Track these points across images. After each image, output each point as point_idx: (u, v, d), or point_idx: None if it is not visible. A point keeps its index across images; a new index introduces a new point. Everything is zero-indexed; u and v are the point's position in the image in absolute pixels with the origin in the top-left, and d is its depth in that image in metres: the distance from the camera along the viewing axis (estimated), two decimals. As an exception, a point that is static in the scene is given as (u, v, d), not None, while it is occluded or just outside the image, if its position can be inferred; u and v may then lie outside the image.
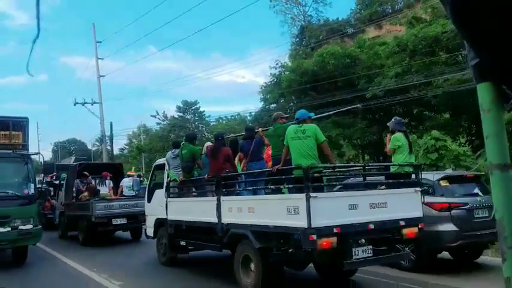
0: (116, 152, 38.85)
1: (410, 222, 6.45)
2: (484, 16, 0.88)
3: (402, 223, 6.36)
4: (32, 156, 11.08)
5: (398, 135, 7.20)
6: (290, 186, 6.00)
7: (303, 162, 5.88)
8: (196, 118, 42.37)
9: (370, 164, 9.34)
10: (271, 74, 24.81)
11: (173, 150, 8.87)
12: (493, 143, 1.00)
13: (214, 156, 7.52)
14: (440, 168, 13.48)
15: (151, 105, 65.09)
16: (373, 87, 20.29)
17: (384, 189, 6.68)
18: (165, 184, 8.97)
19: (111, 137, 31.06)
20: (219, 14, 69.01)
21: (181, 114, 41.89)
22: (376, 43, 22.89)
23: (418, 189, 6.60)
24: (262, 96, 28.38)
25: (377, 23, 37.06)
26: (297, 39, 47.85)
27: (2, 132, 10.96)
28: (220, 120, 40.55)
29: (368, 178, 7.28)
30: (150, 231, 9.81)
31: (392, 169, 6.93)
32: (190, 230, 8.25)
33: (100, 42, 29.82)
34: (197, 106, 42.16)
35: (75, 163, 18.58)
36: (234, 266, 7.09)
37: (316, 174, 6.02)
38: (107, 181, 13.69)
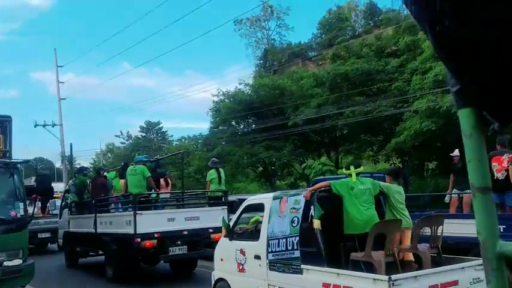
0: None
1: (217, 229, 9.91)
2: (467, 42, 0.89)
3: (211, 230, 9.83)
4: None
5: (212, 171, 10.76)
6: (127, 206, 9.53)
7: (134, 190, 9.42)
8: (160, 138, 45.77)
9: (187, 191, 12.44)
10: (213, 101, 28.37)
11: (73, 179, 12.34)
12: (474, 167, 1.04)
13: (93, 184, 11.01)
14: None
15: (126, 121, 68.42)
16: (295, 117, 23.97)
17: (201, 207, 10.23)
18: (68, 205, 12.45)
19: (70, 158, 34.22)
20: (193, 32, 72.87)
21: (144, 134, 45.29)
22: (304, 76, 26.63)
23: (225, 207, 10.12)
24: (211, 119, 31.89)
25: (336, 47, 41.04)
26: (261, 61, 51.90)
27: None
28: (183, 140, 43.55)
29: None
30: (60, 242, 13.20)
31: (209, 194, 10.50)
32: (81, 239, 11.68)
33: (61, 66, 33.24)
34: (160, 126, 45.63)
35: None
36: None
37: (142, 199, 9.56)
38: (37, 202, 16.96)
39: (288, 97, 26.00)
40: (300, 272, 5.52)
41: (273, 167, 29.08)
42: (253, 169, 30.78)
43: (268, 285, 6.01)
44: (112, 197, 10.85)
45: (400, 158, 23.56)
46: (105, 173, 12.15)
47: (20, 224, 7.74)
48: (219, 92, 27.50)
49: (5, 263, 7.31)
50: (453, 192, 9.15)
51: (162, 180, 11.13)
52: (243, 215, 6.97)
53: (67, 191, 12.02)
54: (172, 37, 62.70)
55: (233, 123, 28.13)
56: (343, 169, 6.14)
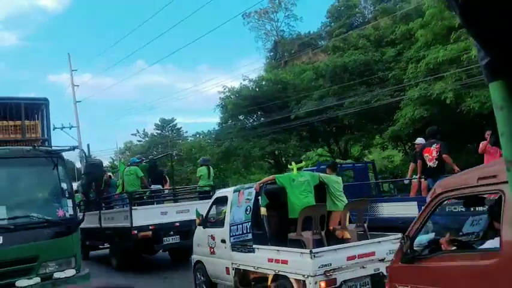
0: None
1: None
2: (494, 15, 0.89)
3: (199, 221, 11.21)
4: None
5: (202, 168, 12.15)
6: (126, 203, 10.99)
7: (129, 189, 10.86)
8: (174, 134, 47.50)
9: (179, 187, 14.12)
10: (220, 97, 29.70)
11: (81, 180, 13.86)
12: (507, 140, 1.02)
13: (97, 184, 12.51)
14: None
15: (142, 119, 70.56)
16: (297, 110, 25.10)
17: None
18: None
19: (88, 158, 36.14)
20: (205, 27, 74.28)
21: (159, 131, 47.09)
22: (306, 69, 27.67)
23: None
24: (220, 115, 33.26)
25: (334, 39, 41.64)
26: (271, 53, 52.91)
27: (11, 123, 7.47)
28: (197, 135, 44.88)
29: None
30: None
31: (198, 188, 11.88)
32: (90, 233, 13.21)
33: (75, 70, 35.07)
34: (174, 123, 47.34)
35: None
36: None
37: (137, 195, 11.00)
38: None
39: (291, 90, 27.11)
40: (253, 251, 6.81)
41: (283, 159, 30.31)
42: (267, 161, 32.06)
43: (232, 263, 7.33)
44: (114, 195, 12.33)
45: (401, 146, 24.47)
46: (109, 173, 13.66)
47: (69, 226, 6.49)
48: (225, 89, 28.76)
49: (56, 275, 6.10)
50: (412, 177, 10.21)
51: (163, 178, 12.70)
52: (215, 206, 8.29)
53: (76, 191, 13.58)
54: (185, 33, 64.18)
55: (240, 118, 29.41)
56: (291, 164, 7.33)
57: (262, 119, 28.68)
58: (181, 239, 10.90)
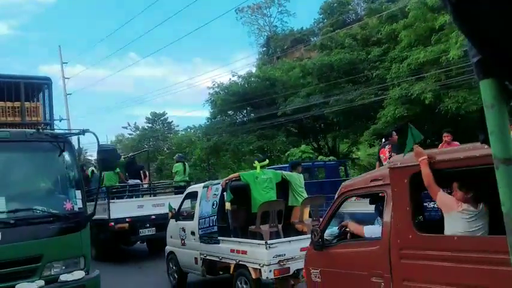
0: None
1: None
2: (486, 13, 0.90)
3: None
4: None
5: (178, 164, 12.74)
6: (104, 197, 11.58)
7: (107, 183, 11.46)
8: (166, 128, 47.98)
9: (155, 182, 14.95)
10: (209, 93, 30.21)
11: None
12: (497, 138, 1.04)
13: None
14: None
15: (135, 112, 70.75)
16: (284, 107, 25.71)
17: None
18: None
19: (79, 151, 36.64)
20: (198, 21, 74.55)
21: (150, 125, 47.55)
22: (294, 66, 28.24)
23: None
24: (210, 110, 33.78)
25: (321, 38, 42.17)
26: (264, 48, 53.38)
27: (9, 104, 6.86)
28: (188, 130, 45.23)
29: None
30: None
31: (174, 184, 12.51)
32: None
33: (66, 63, 35.44)
34: (165, 117, 47.79)
35: None
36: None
37: (114, 190, 11.60)
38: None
39: (279, 87, 27.69)
40: (218, 242, 7.43)
41: (272, 154, 30.93)
42: (256, 155, 32.63)
43: (200, 254, 7.95)
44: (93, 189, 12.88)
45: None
46: (92, 168, 14.23)
47: (78, 221, 5.75)
48: (214, 84, 29.27)
49: (62, 277, 5.42)
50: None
51: (141, 173, 13.24)
52: (187, 201, 8.89)
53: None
54: (178, 27, 64.57)
55: (229, 113, 29.98)
56: (255, 163, 7.93)
57: (251, 114, 29.25)
58: (157, 231, 11.50)
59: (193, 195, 8.54)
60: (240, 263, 6.94)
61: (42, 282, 5.27)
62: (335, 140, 28.45)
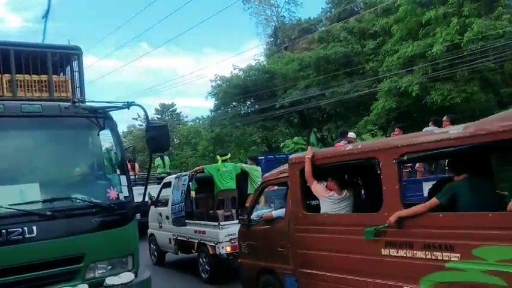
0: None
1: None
2: None
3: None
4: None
5: (158, 158, 14.31)
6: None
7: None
8: (175, 119, 49.72)
9: (139, 174, 16.19)
10: (211, 86, 31.68)
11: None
12: None
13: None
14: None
15: (147, 102, 72.45)
16: (282, 99, 27.05)
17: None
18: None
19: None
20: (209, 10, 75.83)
21: (159, 116, 49.32)
22: (293, 58, 29.45)
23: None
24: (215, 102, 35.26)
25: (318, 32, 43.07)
26: (272, 39, 54.46)
27: (34, 77, 5.99)
28: (197, 120, 46.71)
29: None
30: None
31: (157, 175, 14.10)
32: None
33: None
34: (174, 108, 49.52)
35: None
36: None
37: None
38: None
39: (280, 80, 28.99)
40: (185, 224, 8.93)
41: (274, 144, 32.29)
42: (260, 145, 34.09)
43: (172, 235, 9.47)
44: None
45: (380, 134, 26.28)
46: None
47: (125, 213, 4.95)
48: (216, 77, 30.70)
49: (108, 280, 4.70)
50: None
51: (129, 165, 14.76)
52: (163, 190, 10.38)
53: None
54: (189, 16, 65.73)
55: (231, 105, 31.44)
56: (218, 156, 9.37)
57: (255, 106, 30.58)
58: (141, 216, 13.02)
59: (168, 185, 10.03)
60: (201, 241, 8.44)
61: (85, 286, 4.55)
62: (330, 132, 29.64)
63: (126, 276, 4.76)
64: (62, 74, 6.38)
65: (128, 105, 5.20)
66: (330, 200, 5.10)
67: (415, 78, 19.69)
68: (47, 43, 7.11)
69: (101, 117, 5.05)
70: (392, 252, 4.42)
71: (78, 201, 4.67)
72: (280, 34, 52.63)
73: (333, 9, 52.45)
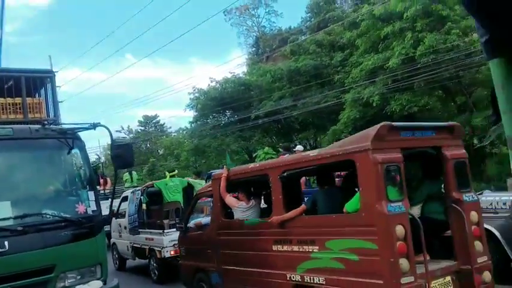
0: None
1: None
2: None
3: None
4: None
5: (126, 173, 15.52)
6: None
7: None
8: (158, 130, 50.83)
9: (108, 188, 17.30)
10: (190, 98, 32.90)
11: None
12: (509, 118, 1.06)
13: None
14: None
15: (132, 113, 73.04)
16: (256, 111, 28.35)
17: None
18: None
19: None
20: (191, 21, 77.20)
21: (142, 128, 50.46)
22: (266, 71, 30.79)
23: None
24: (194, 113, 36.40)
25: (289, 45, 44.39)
26: (253, 48, 55.91)
27: (9, 100, 6.41)
28: (180, 131, 47.62)
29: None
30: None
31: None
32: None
33: (57, 71, 38.32)
34: (157, 119, 50.67)
35: None
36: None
37: None
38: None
39: (256, 91, 30.30)
40: (138, 233, 10.15)
41: (253, 154, 33.48)
42: (241, 155, 35.27)
43: (129, 242, 10.68)
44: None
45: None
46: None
47: (93, 225, 5.38)
48: (194, 90, 31.94)
49: None
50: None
51: (101, 180, 15.96)
52: (122, 203, 11.59)
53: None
54: (172, 27, 67.10)
55: (210, 117, 32.68)
56: (167, 172, 10.61)
57: (234, 117, 31.79)
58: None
59: (126, 199, 11.25)
60: (151, 247, 9.68)
61: None
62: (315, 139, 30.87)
63: (95, 284, 5.15)
64: (36, 95, 6.87)
65: (94, 125, 5.66)
66: (240, 209, 6.35)
67: (376, 89, 21.03)
68: (22, 68, 7.46)
69: (69, 138, 5.45)
70: (279, 247, 5.72)
71: (48, 216, 5.08)
72: (261, 44, 54.08)
73: (312, 19, 53.94)
